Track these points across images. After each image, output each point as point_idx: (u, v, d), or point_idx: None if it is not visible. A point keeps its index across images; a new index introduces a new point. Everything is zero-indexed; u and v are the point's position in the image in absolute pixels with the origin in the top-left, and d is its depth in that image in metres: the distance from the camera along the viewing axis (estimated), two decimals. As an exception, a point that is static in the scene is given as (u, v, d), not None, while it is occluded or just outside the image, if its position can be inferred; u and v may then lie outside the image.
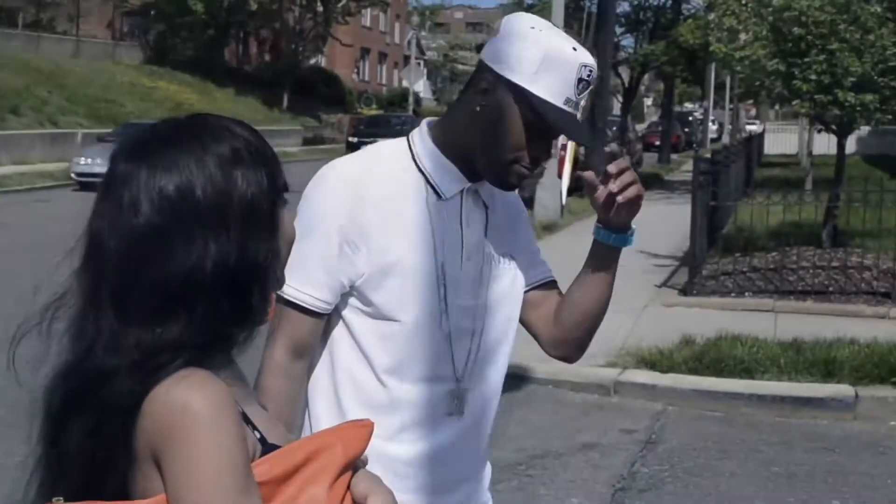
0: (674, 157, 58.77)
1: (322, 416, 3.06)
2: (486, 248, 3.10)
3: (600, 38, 34.13)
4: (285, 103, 66.95)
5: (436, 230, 3.01)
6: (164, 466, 1.94)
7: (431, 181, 3.02)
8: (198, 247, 2.01)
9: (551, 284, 3.29)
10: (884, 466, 9.32)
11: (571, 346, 3.27)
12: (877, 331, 12.78)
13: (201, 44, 64.45)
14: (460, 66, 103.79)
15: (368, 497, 2.13)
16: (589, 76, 2.92)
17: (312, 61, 76.63)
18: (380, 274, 2.96)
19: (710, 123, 78.29)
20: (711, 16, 20.72)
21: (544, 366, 10.93)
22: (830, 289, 15.34)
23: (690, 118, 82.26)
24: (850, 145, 54.81)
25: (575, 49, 2.91)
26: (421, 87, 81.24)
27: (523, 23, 2.95)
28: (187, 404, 1.93)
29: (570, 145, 28.04)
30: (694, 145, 71.37)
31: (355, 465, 2.17)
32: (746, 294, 15.52)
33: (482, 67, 2.98)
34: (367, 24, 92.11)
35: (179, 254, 2.00)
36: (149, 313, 2.00)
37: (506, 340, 3.18)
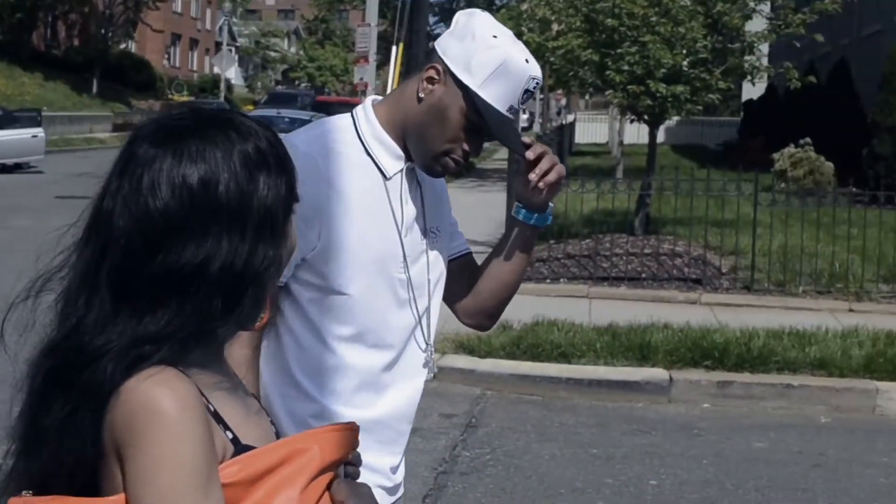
0: (486, 145, 59.11)
1: (270, 382, 3.15)
2: (422, 222, 3.22)
3: (414, 28, 34.18)
4: (95, 89, 65.68)
5: (381, 207, 3.12)
6: (126, 462, 1.92)
7: (376, 160, 3.13)
8: (210, 243, 1.99)
9: (468, 256, 3.46)
10: (698, 448, 9.58)
11: (486, 315, 3.49)
12: (689, 316, 13.13)
13: (8, 27, 62.87)
14: (272, 54, 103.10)
15: (346, 502, 2.12)
16: (534, 88, 3.08)
17: (122, 46, 75.32)
18: (330, 248, 3.05)
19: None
20: (524, 6, 20.93)
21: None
22: (643, 275, 15.67)
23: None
24: (660, 135, 55.87)
25: (528, 61, 3.05)
26: (232, 74, 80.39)
27: (485, 29, 3.06)
28: (152, 403, 1.91)
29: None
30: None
31: (340, 468, 2.17)
32: (561, 280, 15.73)
33: (436, 57, 3.09)
34: (178, 9, 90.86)
35: (190, 247, 1.98)
36: (144, 299, 1.98)
37: (437, 310, 3.34)
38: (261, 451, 2.04)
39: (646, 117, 17.84)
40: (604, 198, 17.15)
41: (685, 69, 16.88)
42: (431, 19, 44.63)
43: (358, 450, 2.24)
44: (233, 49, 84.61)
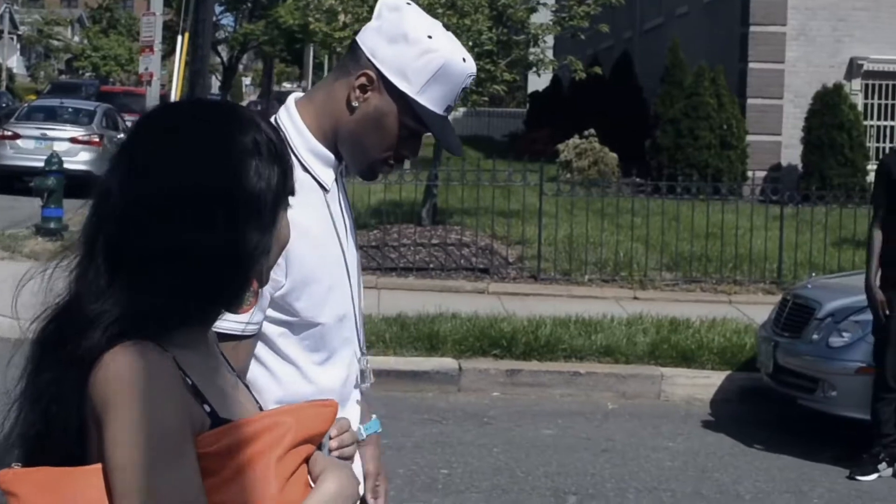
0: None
1: None
2: (350, 225, 3.13)
3: (199, 17, 33.76)
4: None
5: (327, 225, 2.99)
6: (101, 431, 1.98)
7: (315, 176, 2.99)
8: (199, 225, 2.04)
9: None
10: (488, 436, 9.66)
11: None
12: (477, 305, 13.21)
13: None
14: (55, 42, 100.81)
15: (323, 474, 2.15)
16: (470, 84, 2.99)
17: None
18: (298, 284, 2.91)
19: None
20: (312, -5, 20.83)
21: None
22: (431, 265, 15.72)
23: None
24: (446, 126, 56.07)
25: (465, 60, 2.94)
26: (14, 63, 78.39)
27: (419, 29, 2.91)
28: (125, 371, 1.97)
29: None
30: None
31: (319, 443, 2.19)
32: (351, 271, 15.64)
33: (364, 61, 2.93)
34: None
35: (178, 227, 2.03)
36: (135, 274, 2.04)
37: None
38: (237, 424, 2.08)
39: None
40: (391, 189, 17.17)
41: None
42: (217, 9, 44.20)
43: None
44: (14, 37, 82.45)
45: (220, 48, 46.36)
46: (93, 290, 2.05)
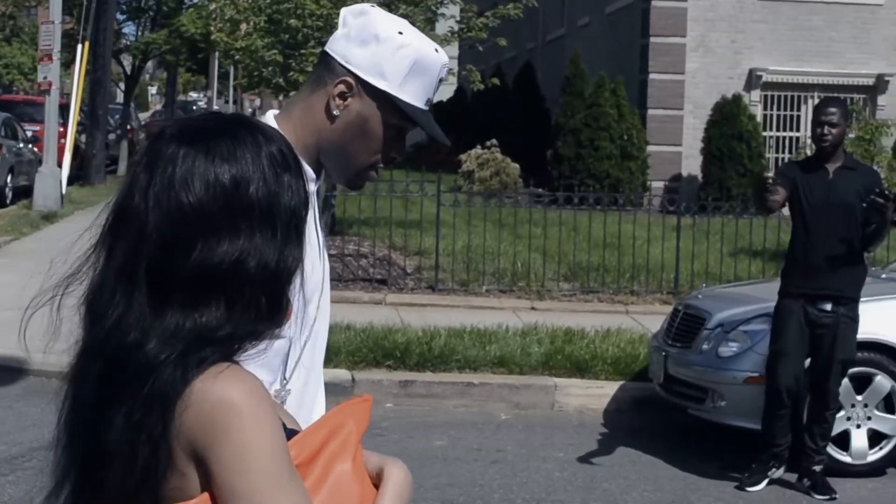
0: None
1: None
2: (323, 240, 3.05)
3: (100, 26, 33.46)
4: None
5: (313, 242, 2.89)
6: (211, 461, 1.94)
7: None
8: (243, 241, 2.01)
9: None
10: (381, 448, 9.46)
11: None
12: (374, 316, 13.16)
13: None
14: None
15: (384, 467, 2.20)
16: (446, 74, 2.95)
17: None
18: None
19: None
20: (213, 5, 20.71)
21: (40, 358, 10.63)
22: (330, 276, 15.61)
23: (194, 107, 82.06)
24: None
25: (437, 51, 2.92)
26: (-88, 71, 77.10)
27: (388, 27, 2.89)
28: (230, 399, 1.94)
29: (70, 133, 27.39)
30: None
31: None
32: (248, 283, 15.54)
33: (339, 69, 2.90)
34: None
35: (224, 244, 2.00)
36: (187, 298, 1.99)
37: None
38: (307, 433, 2.11)
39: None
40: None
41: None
42: (119, 17, 43.77)
43: None
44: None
45: (122, 57, 45.90)
46: (139, 320, 1.97)
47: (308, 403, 3.08)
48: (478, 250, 16.14)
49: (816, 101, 26.53)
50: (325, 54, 2.96)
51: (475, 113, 35.03)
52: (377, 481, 2.20)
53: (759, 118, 26.80)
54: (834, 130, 8.79)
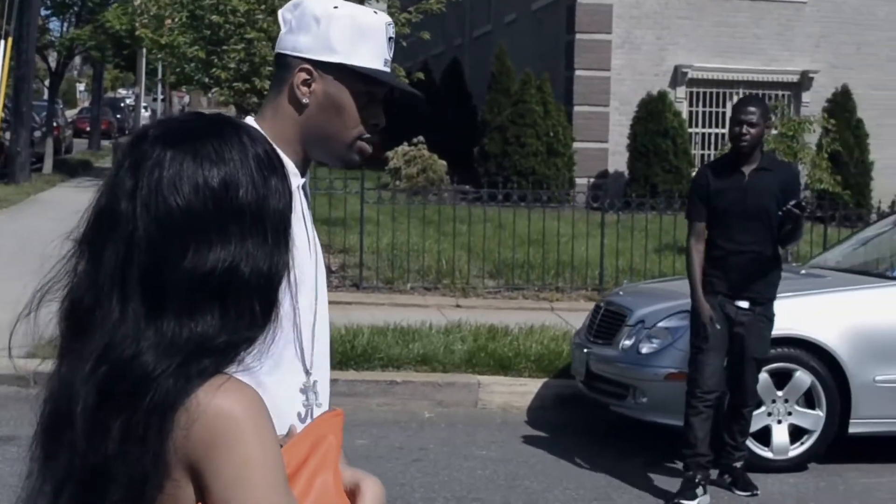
0: (105, 143, 57.92)
1: None
2: (313, 238, 3.04)
3: (24, 21, 33.08)
4: None
5: (302, 240, 2.87)
6: (208, 473, 1.92)
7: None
8: (235, 245, 1.98)
9: None
10: (299, 447, 9.52)
11: None
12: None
13: None
14: None
15: (359, 482, 2.23)
16: (393, 33, 3.00)
17: None
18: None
19: (143, 110, 77.77)
20: (137, 2, 20.55)
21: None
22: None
23: (123, 104, 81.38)
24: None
25: (376, 13, 2.98)
26: None
27: (322, 6, 2.95)
28: (230, 411, 1.92)
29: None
30: (126, 132, 70.61)
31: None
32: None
33: (291, 62, 2.96)
34: None
35: (215, 248, 1.96)
36: (182, 306, 1.95)
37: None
38: (291, 445, 2.15)
39: (253, 114, 17.74)
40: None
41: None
42: (44, 12, 43.31)
43: None
44: None
45: (46, 53, 45.39)
46: (134, 330, 1.94)
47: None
48: (403, 248, 16.09)
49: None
50: (278, 56, 3.04)
51: (402, 109, 34.97)
52: (352, 497, 2.23)
53: (685, 115, 26.97)
54: (753, 130, 8.54)
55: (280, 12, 3.05)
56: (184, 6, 17.33)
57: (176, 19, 18.20)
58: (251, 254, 1.99)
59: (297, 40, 2.98)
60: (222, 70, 16.62)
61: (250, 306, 2.00)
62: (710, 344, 8.52)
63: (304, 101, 2.96)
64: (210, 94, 17.15)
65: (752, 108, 8.61)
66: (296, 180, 2.98)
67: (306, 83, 2.96)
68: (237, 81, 16.63)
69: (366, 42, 2.95)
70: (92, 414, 1.95)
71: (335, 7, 2.97)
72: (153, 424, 1.91)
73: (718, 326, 8.51)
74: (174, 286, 1.94)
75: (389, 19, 3.02)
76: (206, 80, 17.61)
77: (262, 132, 2.91)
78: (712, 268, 8.67)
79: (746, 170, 8.67)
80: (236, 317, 1.98)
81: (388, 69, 3.00)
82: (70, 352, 2.00)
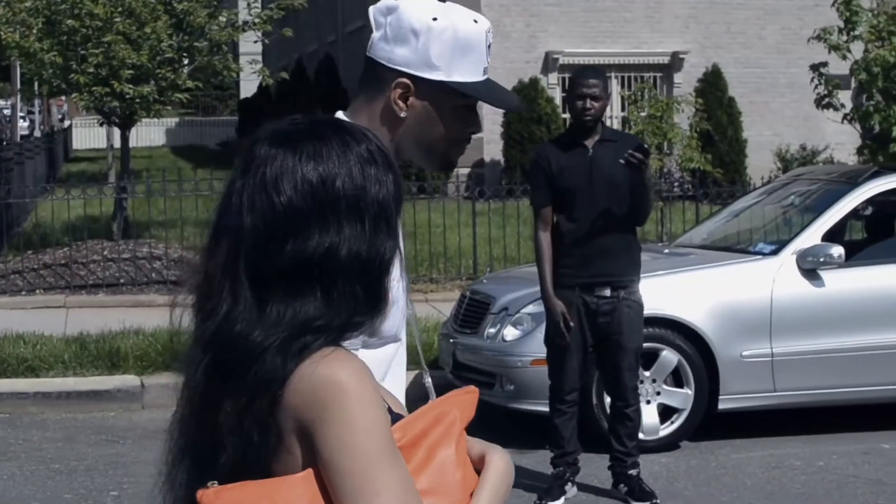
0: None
1: None
2: None
3: None
4: None
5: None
6: (316, 438, 2.07)
7: None
8: (332, 232, 2.14)
9: None
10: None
11: None
12: (168, 319, 12.87)
13: None
14: None
15: (486, 453, 2.28)
16: (491, 38, 3.00)
17: None
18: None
19: (21, 119, 76.44)
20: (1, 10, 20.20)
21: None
22: (122, 280, 15.36)
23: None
24: (160, 137, 55.00)
25: (476, 21, 2.94)
26: None
27: (421, 17, 2.90)
28: (336, 378, 2.07)
29: None
30: (4, 142, 69.36)
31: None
32: (38, 291, 15.23)
33: (388, 73, 2.92)
34: None
35: (314, 236, 2.14)
36: (287, 289, 2.13)
37: None
38: (412, 418, 2.22)
39: (115, 119, 17.59)
40: (91, 204, 16.77)
41: (153, 69, 16.70)
42: None
43: None
44: None
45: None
46: (246, 311, 2.12)
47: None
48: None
49: (614, 80, 27.07)
50: (369, 61, 2.99)
51: (280, 108, 34.78)
52: (479, 466, 2.28)
53: (558, 100, 27.08)
54: (597, 104, 8.01)
55: (371, 13, 2.98)
56: (39, 12, 17.04)
57: (33, 26, 17.89)
58: (349, 240, 2.15)
59: (393, 52, 2.94)
60: (81, 75, 16.38)
61: (353, 290, 2.15)
62: (566, 342, 8.08)
63: (401, 115, 2.95)
64: (72, 98, 17.04)
65: (594, 81, 8.06)
66: None
67: (403, 98, 2.95)
68: (96, 86, 16.38)
69: (466, 56, 2.93)
70: (205, 388, 2.15)
71: (434, 19, 2.91)
72: (259, 395, 2.09)
73: (572, 324, 8.04)
74: (278, 272, 2.14)
75: (489, 25, 2.99)
76: (63, 85, 17.35)
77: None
78: (564, 257, 8.14)
79: (589, 143, 8.17)
80: (339, 300, 2.14)
81: (486, 76, 2.99)
82: (195, 339, 2.20)
